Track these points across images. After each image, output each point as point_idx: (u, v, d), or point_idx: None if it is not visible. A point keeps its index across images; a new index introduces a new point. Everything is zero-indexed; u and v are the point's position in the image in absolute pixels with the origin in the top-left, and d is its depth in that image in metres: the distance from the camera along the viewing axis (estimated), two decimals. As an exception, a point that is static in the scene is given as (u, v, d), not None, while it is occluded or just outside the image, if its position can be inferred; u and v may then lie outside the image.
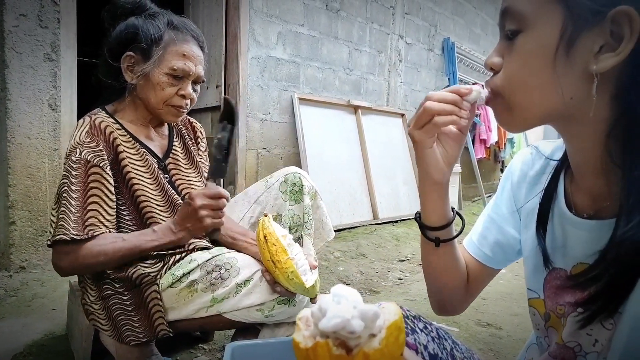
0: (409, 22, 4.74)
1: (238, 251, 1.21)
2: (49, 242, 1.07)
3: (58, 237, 1.04)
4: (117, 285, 1.13)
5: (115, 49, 1.16)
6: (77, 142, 1.10)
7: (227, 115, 1.12)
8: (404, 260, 2.91)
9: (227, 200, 1.11)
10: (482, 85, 0.67)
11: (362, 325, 0.44)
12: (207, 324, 1.16)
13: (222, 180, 1.12)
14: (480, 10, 6.10)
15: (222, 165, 1.10)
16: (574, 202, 0.65)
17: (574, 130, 0.60)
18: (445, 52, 5.31)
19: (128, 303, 1.12)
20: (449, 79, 5.26)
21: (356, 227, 3.67)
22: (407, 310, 0.73)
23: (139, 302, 1.12)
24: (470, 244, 0.83)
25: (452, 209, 0.75)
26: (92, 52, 1.21)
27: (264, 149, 3.40)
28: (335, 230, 3.39)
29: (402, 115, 4.57)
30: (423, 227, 0.75)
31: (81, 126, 1.13)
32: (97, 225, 1.08)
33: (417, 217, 0.76)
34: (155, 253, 1.15)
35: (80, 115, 2.29)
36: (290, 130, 3.55)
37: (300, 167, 3.35)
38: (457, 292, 0.80)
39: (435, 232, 0.74)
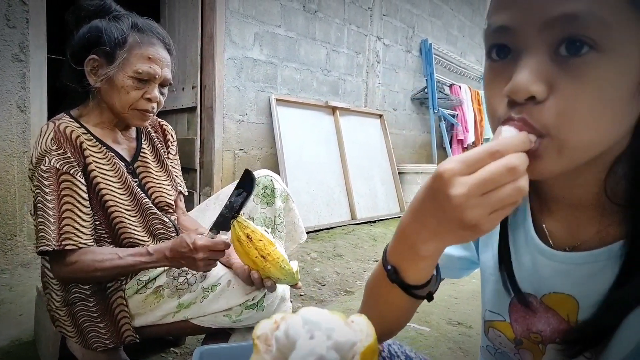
0: (387, 24, 4.77)
1: None
2: (37, 251, 1.08)
3: (41, 248, 1.03)
4: (82, 291, 1.12)
5: (78, 52, 1.14)
6: (43, 150, 1.07)
7: (245, 184, 1.13)
8: (377, 260, 2.93)
9: (226, 248, 1.10)
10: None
11: (337, 358, 0.41)
12: (175, 330, 1.16)
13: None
14: (458, 12, 6.18)
15: (228, 221, 1.09)
16: (547, 231, 0.60)
17: (584, 166, 0.51)
18: (422, 54, 5.36)
19: (94, 309, 1.11)
20: (426, 80, 5.31)
21: (334, 227, 3.68)
22: None
23: (104, 308, 1.11)
24: None
25: None
26: (65, 50, 1.18)
27: (240, 150, 3.39)
28: (313, 231, 3.43)
29: (380, 116, 4.60)
30: (410, 288, 0.56)
31: (45, 133, 1.10)
32: (73, 233, 1.06)
33: (396, 279, 0.56)
34: None
35: (51, 116, 2.25)
36: (267, 131, 3.54)
37: (277, 168, 3.36)
38: (401, 323, 0.70)
39: (425, 288, 0.58)
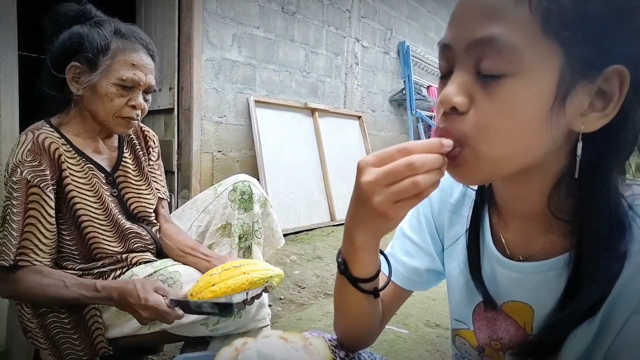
0: (365, 26, 4.80)
1: (185, 264, 1.19)
2: None
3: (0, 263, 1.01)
4: None
5: (59, 59, 1.10)
6: (18, 161, 1.04)
7: (223, 311, 1.05)
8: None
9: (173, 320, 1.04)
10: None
11: None
12: (151, 340, 1.14)
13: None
14: (435, 15, 6.25)
15: (189, 311, 1.04)
16: (504, 241, 0.63)
17: (521, 180, 0.55)
18: (400, 55, 5.41)
19: (67, 321, 1.08)
20: (404, 81, 5.36)
21: (314, 229, 3.69)
22: (330, 340, 0.72)
23: (77, 320, 1.09)
24: (397, 275, 0.76)
25: None
26: (38, 48, 1.14)
27: (219, 152, 3.36)
28: (292, 233, 3.43)
29: (359, 117, 4.63)
30: (356, 281, 0.62)
31: (23, 143, 1.07)
32: (30, 249, 1.03)
33: (344, 271, 0.62)
34: (95, 270, 1.12)
35: (23, 119, 2.19)
36: (246, 133, 3.52)
37: (257, 170, 3.34)
38: (371, 331, 0.73)
39: (371, 282, 0.63)
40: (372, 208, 0.50)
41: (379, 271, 0.64)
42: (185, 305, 1.03)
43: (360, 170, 0.51)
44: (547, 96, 0.47)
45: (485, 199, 0.66)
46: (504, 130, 0.48)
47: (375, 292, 0.64)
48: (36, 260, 1.04)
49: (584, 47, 0.46)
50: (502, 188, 0.62)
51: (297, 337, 0.53)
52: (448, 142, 0.50)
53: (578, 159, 0.50)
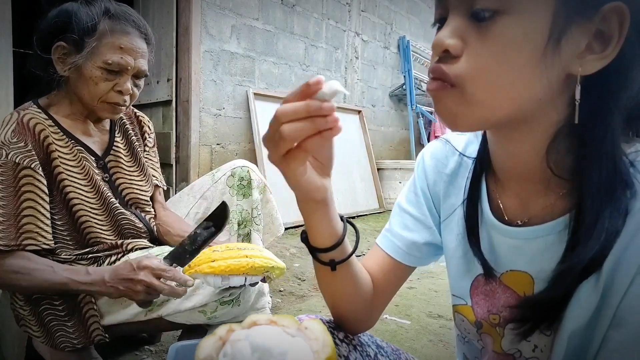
0: (365, 20, 4.76)
1: None
2: None
3: None
4: None
5: (45, 37, 1.06)
6: (1, 142, 1.00)
7: (217, 219, 1.05)
8: (360, 256, 2.91)
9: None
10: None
11: None
12: (148, 327, 1.11)
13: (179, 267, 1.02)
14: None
15: (186, 257, 1.01)
16: (502, 207, 0.61)
17: (517, 134, 0.53)
18: (400, 50, 5.37)
19: (60, 308, 1.05)
20: (404, 76, 5.33)
21: (313, 223, 3.65)
22: (327, 322, 0.70)
23: (72, 306, 1.05)
24: (396, 249, 0.73)
25: (342, 218, 0.63)
26: (30, 42, 1.11)
27: (218, 144, 3.32)
28: (292, 227, 3.40)
29: (359, 112, 4.59)
30: (314, 250, 0.62)
31: (7, 123, 1.03)
32: (36, 232, 1.00)
33: (304, 239, 0.63)
34: (90, 255, 1.09)
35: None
36: (245, 126, 3.49)
37: (256, 163, 3.30)
38: (363, 310, 0.71)
39: (328, 253, 0.61)
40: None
41: (339, 242, 0.61)
42: (179, 254, 1.01)
43: None
44: (541, 35, 0.46)
45: (484, 165, 0.64)
46: (497, 73, 0.47)
47: (331, 264, 0.62)
48: (44, 243, 1.01)
49: None
50: (497, 146, 0.59)
51: (288, 321, 0.48)
52: (314, 81, 0.50)
53: (577, 103, 0.48)
